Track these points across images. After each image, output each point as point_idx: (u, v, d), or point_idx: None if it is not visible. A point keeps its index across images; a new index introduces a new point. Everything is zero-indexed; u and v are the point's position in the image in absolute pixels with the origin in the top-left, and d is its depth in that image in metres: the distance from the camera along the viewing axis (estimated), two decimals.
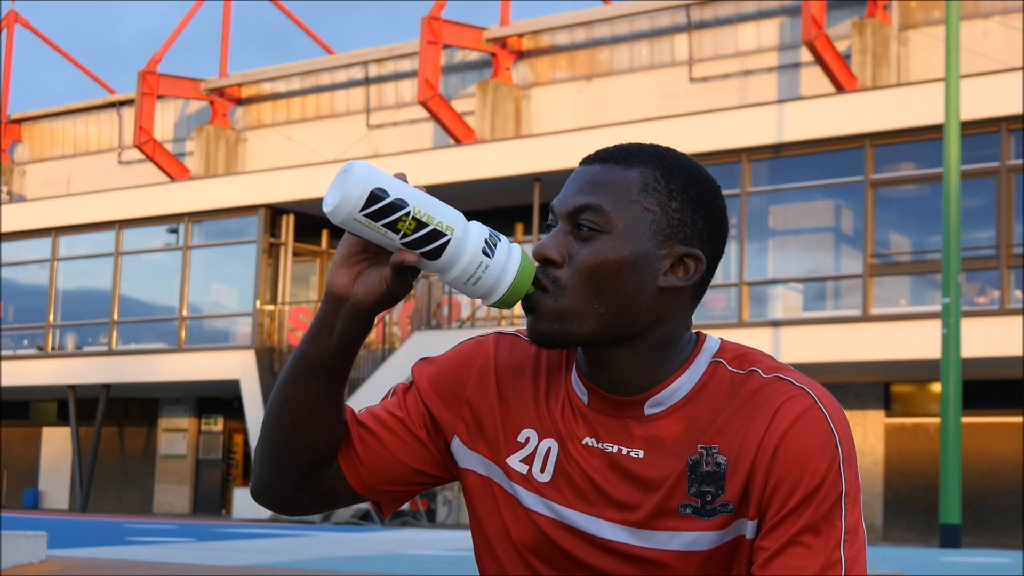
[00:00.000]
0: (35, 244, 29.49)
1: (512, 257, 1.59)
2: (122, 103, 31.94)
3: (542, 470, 1.67)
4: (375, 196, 1.53)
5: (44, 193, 32.51)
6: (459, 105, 26.70)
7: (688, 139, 20.55)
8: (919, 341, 18.70)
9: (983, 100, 18.74)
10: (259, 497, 1.74)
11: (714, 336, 1.69)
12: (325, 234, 27.80)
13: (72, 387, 28.06)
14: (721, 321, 20.44)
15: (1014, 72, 19.10)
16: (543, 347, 1.63)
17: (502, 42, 26.38)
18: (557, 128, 24.81)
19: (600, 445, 1.64)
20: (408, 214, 1.54)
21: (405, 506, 21.39)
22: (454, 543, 14.60)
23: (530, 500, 1.67)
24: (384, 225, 1.54)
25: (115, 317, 27.82)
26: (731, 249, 20.26)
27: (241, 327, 26.61)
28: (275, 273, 26.77)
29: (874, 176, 19.95)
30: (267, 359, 25.55)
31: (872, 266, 19.90)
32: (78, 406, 28.31)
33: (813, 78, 23.09)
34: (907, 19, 22.88)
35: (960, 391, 16.77)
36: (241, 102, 30.47)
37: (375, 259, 1.62)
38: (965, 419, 18.42)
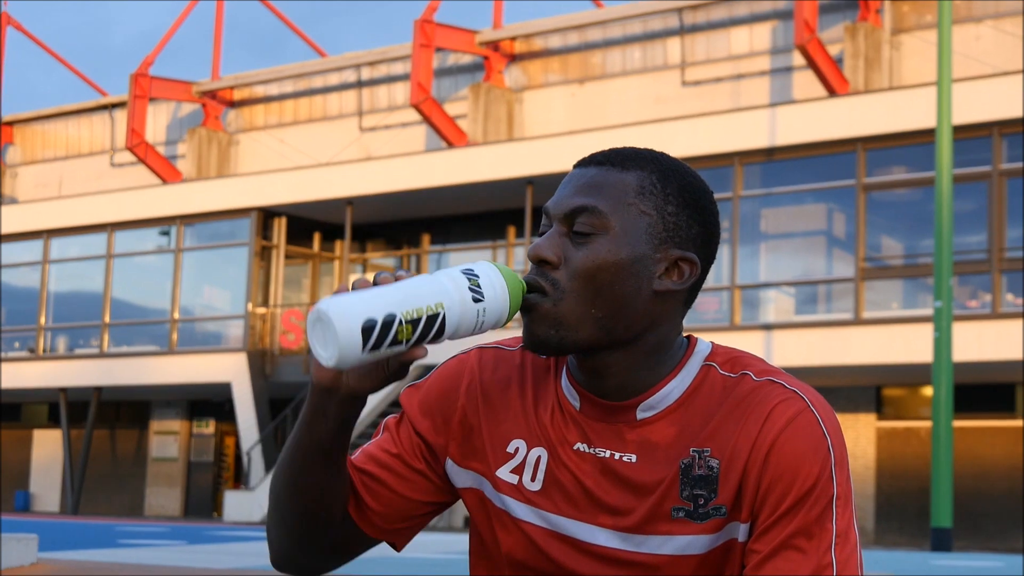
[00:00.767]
0: (27, 246, 29.45)
1: (496, 283, 1.56)
2: (114, 105, 31.92)
3: (532, 479, 1.66)
4: (367, 329, 1.48)
5: (36, 195, 32.48)
6: (452, 108, 26.70)
7: (681, 142, 20.57)
8: (911, 345, 18.72)
9: (975, 104, 18.77)
10: (286, 568, 1.74)
11: (705, 340, 1.69)
12: (317, 237, 27.79)
13: (63, 389, 28.02)
14: (713, 324, 20.45)
15: (1006, 76, 19.14)
16: (538, 354, 1.61)
17: (495, 45, 26.39)
18: (550, 131, 24.82)
19: (592, 450, 1.64)
20: (400, 322, 1.50)
21: None
22: (444, 546, 14.59)
23: (520, 510, 1.66)
24: (388, 347, 1.50)
25: (107, 319, 27.78)
26: (723, 252, 20.26)
27: (233, 330, 26.57)
28: (267, 276, 26.74)
29: (866, 180, 19.97)
30: (259, 362, 25.52)
31: (864, 270, 19.93)
32: (69, 408, 28.25)
33: (805, 82, 23.12)
34: (899, 23, 22.91)
35: (952, 395, 16.80)
36: (233, 105, 30.46)
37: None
38: (957, 423, 18.44)
